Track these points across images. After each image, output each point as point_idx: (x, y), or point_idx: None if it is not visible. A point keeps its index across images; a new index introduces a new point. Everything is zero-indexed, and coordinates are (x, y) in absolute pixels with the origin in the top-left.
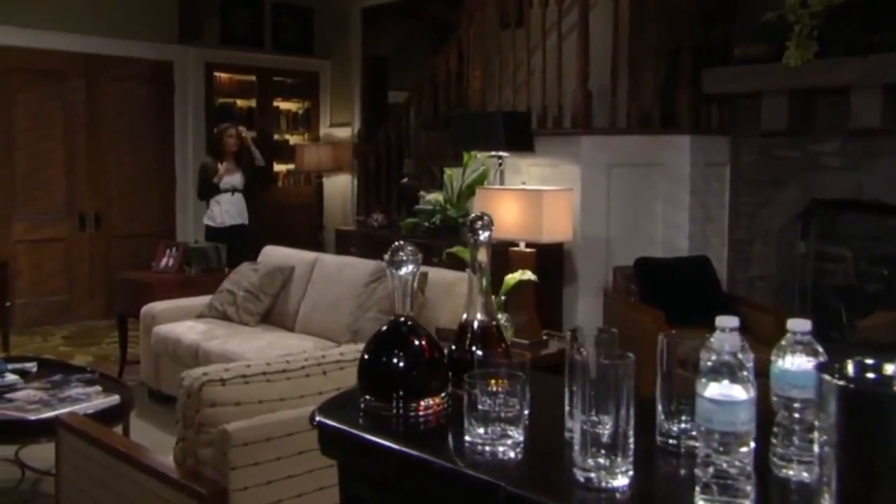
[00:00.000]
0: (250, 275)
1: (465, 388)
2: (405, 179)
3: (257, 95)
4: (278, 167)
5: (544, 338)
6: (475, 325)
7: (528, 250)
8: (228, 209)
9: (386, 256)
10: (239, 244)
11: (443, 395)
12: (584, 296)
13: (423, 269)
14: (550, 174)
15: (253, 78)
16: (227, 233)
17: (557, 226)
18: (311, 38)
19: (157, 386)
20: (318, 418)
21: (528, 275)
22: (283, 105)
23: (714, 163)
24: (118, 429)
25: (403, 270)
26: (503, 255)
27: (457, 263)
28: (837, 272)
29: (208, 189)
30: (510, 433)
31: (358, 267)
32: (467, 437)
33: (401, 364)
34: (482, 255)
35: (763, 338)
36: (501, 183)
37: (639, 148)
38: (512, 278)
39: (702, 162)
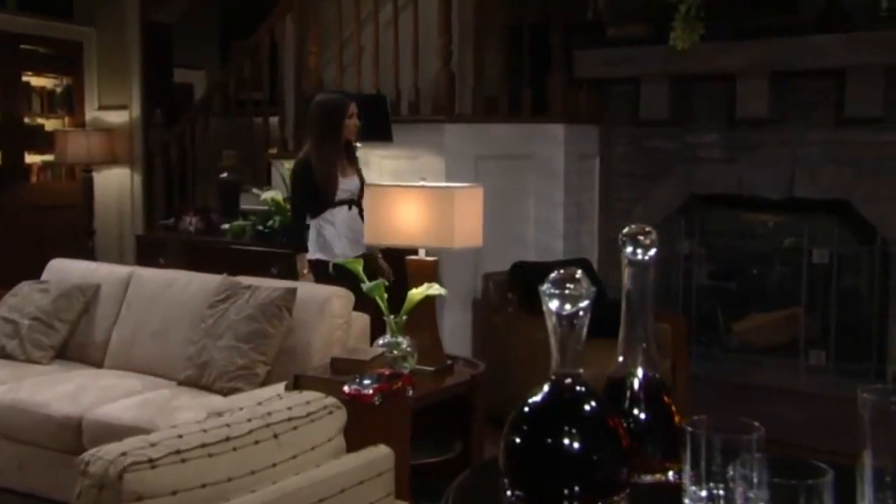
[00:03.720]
0: (37, 297)
1: (737, 489)
2: (225, 174)
3: None
4: (31, 158)
5: (449, 363)
6: (636, 380)
7: (430, 259)
8: (346, 232)
9: (545, 287)
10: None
11: (628, 489)
12: (449, 308)
13: (292, 284)
14: (408, 168)
15: None
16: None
17: (469, 229)
18: None
19: None
20: None
21: (437, 289)
22: (36, 81)
23: (586, 155)
24: None
25: (573, 308)
26: (397, 264)
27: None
28: (715, 272)
29: (319, 203)
30: None
31: (194, 283)
32: None
33: (575, 446)
34: (644, 282)
35: (661, 349)
36: None
37: (508, 138)
38: (417, 294)
39: (575, 154)
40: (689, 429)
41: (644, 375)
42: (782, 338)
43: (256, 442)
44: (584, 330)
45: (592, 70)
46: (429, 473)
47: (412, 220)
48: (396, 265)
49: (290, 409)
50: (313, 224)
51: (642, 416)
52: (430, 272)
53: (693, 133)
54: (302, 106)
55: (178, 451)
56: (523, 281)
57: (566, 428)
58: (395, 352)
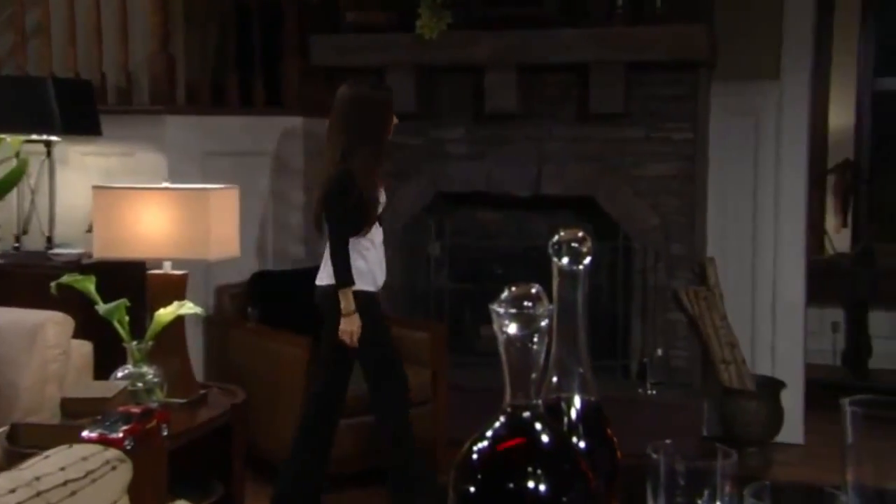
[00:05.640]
0: None
1: None
2: None
3: None
4: None
5: (202, 392)
6: (575, 405)
7: (179, 273)
8: (380, 254)
9: (496, 306)
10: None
11: None
12: None
13: None
14: (122, 166)
15: None
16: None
17: (226, 237)
18: None
19: None
20: None
21: (190, 307)
22: None
23: None
24: None
25: (528, 330)
26: (134, 280)
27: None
28: (463, 274)
29: (358, 223)
30: None
31: None
32: None
33: (541, 488)
34: (575, 295)
35: (419, 360)
36: (52, 178)
37: (240, 132)
38: (166, 314)
39: (315, 150)
40: (654, 455)
41: (582, 401)
42: None
43: None
44: (542, 355)
45: (330, 58)
46: None
47: (157, 229)
48: (134, 281)
49: (63, 469)
50: (352, 246)
51: (581, 444)
52: (178, 289)
53: (440, 128)
54: None
55: None
56: (265, 292)
57: (529, 469)
58: (140, 384)
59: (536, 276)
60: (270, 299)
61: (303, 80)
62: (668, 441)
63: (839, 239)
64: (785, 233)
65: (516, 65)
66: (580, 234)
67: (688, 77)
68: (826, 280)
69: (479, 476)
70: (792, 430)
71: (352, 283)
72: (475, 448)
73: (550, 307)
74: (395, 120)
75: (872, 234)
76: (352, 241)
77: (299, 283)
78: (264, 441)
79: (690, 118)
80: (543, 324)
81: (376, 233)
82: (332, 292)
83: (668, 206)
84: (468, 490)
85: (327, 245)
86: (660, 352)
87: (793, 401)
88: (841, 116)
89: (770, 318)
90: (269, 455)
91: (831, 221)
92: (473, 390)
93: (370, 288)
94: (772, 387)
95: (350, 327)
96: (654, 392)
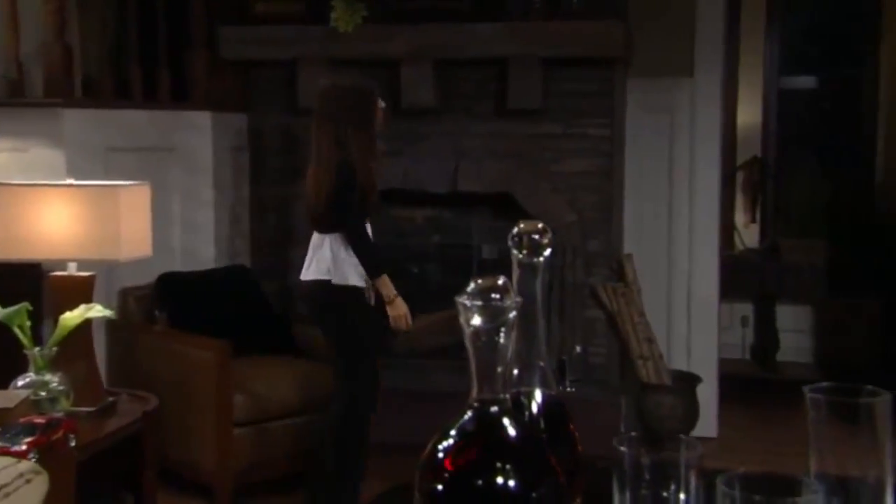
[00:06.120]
0: None
1: None
2: None
3: None
4: None
5: (111, 399)
6: (536, 399)
7: (85, 275)
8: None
9: (463, 299)
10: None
11: None
12: None
13: None
14: (15, 163)
15: None
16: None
17: (137, 236)
18: None
19: None
20: None
21: (99, 310)
22: None
23: (238, 147)
24: None
25: (495, 323)
26: (29, 283)
27: None
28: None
29: (365, 210)
30: None
31: None
32: None
33: (511, 484)
34: (534, 287)
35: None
36: None
37: (145, 126)
38: (72, 318)
39: (226, 146)
40: (620, 448)
41: (543, 395)
42: (450, 339)
43: None
44: (510, 349)
45: (239, 50)
46: None
47: (61, 229)
48: (29, 285)
49: (3, 468)
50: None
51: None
52: (84, 291)
53: None
54: None
55: None
56: (173, 294)
57: (499, 465)
58: (43, 393)
59: (453, 274)
60: (179, 301)
61: (210, 73)
62: (632, 433)
63: (748, 234)
64: (699, 229)
65: (433, 59)
66: (540, 225)
67: (604, 73)
68: (736, 275)
69: (446, 474)
70: (706, 423)
71: (384, 269)
72: (441, 445)
73: (518, 299)
74: (382, 104)
75: (778, 229)
76: (347, 236)
77: (209, 284)
78: (173, 450)
79: (607, 114)
80: (511, 316)
81: (371, 224)
82: (324, 284)
83: (585, 203)
84: (435, 488)
85: (314, 240)
86: (578, 349)
87: (707, 394)
88: (749, 114)
89: (685, 314)
90: (180, 465)
91: (740, 217)
92: (391, 391)
93: (362, 284)
94: (688, 381)
95: (399, 311)
96: (573, 389)
